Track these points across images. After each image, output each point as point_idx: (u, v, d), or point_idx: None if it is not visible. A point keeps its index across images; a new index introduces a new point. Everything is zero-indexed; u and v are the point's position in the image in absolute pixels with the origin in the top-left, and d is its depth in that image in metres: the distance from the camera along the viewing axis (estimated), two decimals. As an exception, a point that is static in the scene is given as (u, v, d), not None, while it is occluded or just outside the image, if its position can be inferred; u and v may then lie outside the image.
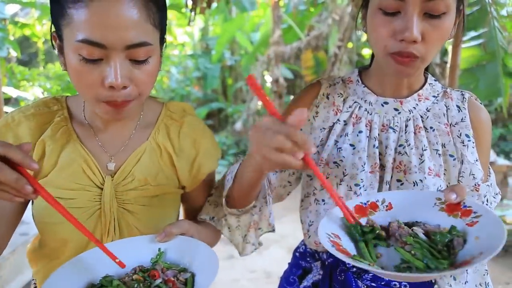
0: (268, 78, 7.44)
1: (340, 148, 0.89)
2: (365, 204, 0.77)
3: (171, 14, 7.44)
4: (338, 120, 0.92)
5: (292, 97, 7.71)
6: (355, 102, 0.92)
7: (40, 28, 8.52)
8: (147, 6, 0.75)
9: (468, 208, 0.67)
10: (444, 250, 0.66)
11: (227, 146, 7.15)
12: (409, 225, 0.73)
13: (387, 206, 0.76)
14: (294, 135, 0.60)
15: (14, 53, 8.09)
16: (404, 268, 0.65)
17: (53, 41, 0.81)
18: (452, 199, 0.69)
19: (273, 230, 0.97)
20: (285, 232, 3.67)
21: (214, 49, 7.51)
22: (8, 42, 6.98)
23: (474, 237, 0.64)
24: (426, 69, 0.94)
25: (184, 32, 9.01)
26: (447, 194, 0.69)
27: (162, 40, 0.84)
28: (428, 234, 0.69)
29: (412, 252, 0.66)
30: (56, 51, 0.81)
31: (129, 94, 0.76)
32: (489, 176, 0.92)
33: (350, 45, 6.55)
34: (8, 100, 6.74)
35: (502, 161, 5.31)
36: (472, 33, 3.54)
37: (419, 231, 0.69)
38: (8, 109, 5.56)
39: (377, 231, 0.70)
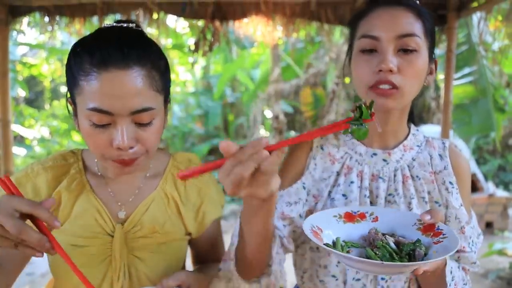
0: (269, 114, 7.59)
1: (333, 198, 0.93)
2: (355, 213, 0.85)
3: (173, 53, 7.69)
4: (332, 171, 0.96)
5: (292, 132, 7.87)
6: (346, 153, 0.97)
7: (48, 67, 8.80)
8: (150, 75, 0.82)
9: (440, 230, 0.76)
10: (406, 258, 0.74)
11: (229, 181, 7.16)
12: (387, 235, 0.80)
13: (374, 218, 0.84)
14: (240, 156, 0.57)
15: (21, 93, 8.32)
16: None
17: (68, 106, 0.89)
18: (426, 219, 0.76)
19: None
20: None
21: (215, 86, 7.71)
22: (17, 82, 7.21)
23: (433, 251, 0.74)
24: (409, 119, 1.00)
25: (186, 70, 9.26)
26: (423, 215, 0.77)
27: (166, 101, 0.91)
28: (398, 244, 0.78)
29: (377, 252, 0.75)
30: (72, 114, 0.89)
31: (136, 152, 0.84)
32: (471, 219, 0.96)
33: (347, 80, 6.72)
34: (14, 138, 6.89)
35: (501, 193, 5.33)
36: (464, 71, 3.69)
37: (390, 239, 0.78)
38: (15, 148, 5.67)
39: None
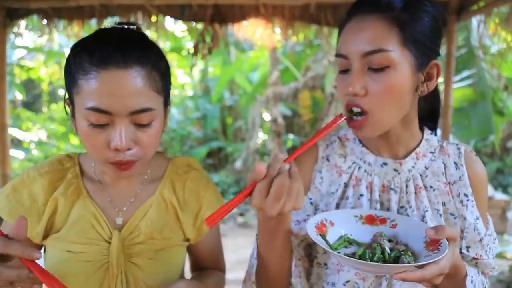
0: (267, 117, 7.58)
1: None
2: (377, 216, 0.86)
3: (172, 57, 7.68)
4: (339, 183, 0.91)
5: (290, 135, 7.87)
6: (354, 163, 0.92)
7: (45, 70, 8.78)
8: (150, 75, 0.81)
9: (439, 246, 0.74)
10: (391, 262, 0.75)
11: (227, 185, 7.15)
12: (391, 240, 0.81)
13: (393, 224, 0.84)
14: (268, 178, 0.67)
15: (19, 96, 8.30)
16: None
17: (66, 106, 0.88)
18: (430, 234, 0.73)
19: None
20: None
21: (213, 89, 7.70)
22: (15, 85, 7.20)
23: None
24: (425, 124, 0.94)
25: (184, 73, 9.25)
26: (428, 230, 0.74)
27: (166, 103, 0.90)
28: (393, 250, 0.79)
29: (369, 253, 0.76)
30: (69, 116, 0.88)
31: (134, 155, 0.82)
32: (488, 224, 0.92)
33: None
34: (11, 141, 6.88)
35: (500, 195, 5.34)
36: (463, 74, 3.70)
37: (387, 244, 0.78)
38: (12, 151, 5.64)
39: None
